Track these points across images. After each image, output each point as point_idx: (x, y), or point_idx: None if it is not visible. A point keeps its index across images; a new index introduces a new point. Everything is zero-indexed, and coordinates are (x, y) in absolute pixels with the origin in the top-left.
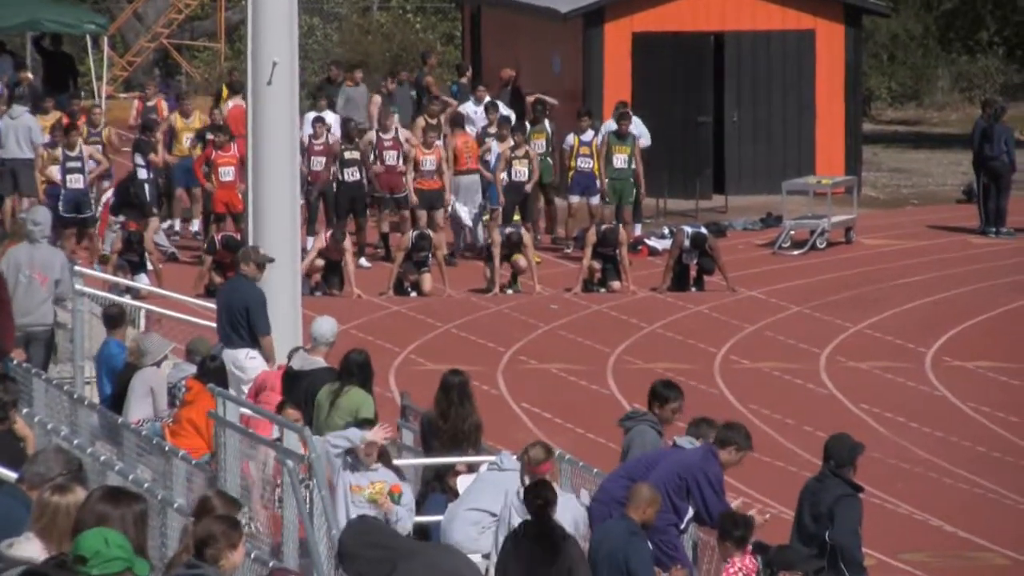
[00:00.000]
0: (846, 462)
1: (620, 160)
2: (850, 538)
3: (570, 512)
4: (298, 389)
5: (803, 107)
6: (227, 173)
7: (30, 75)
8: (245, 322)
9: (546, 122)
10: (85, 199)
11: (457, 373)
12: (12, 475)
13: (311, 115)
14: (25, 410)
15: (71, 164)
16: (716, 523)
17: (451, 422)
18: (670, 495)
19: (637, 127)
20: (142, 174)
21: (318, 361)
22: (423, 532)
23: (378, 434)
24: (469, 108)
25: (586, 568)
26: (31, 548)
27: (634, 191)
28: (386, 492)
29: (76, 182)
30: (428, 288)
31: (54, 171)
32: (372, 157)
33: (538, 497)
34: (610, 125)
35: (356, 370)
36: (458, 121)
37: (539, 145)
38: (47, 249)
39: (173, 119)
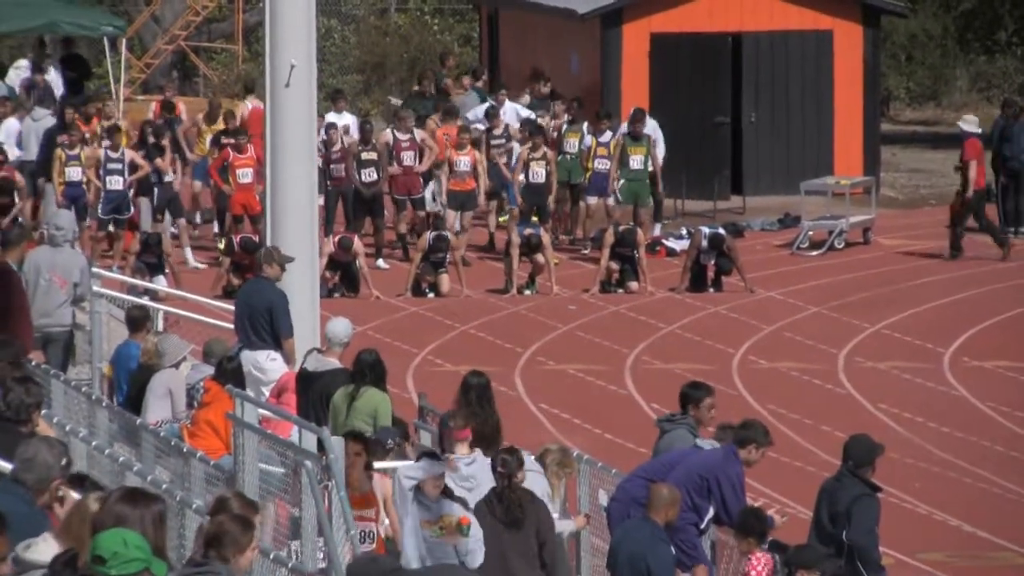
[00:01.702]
0: (864, 462)
1: (636, 161)
2: (867, 538)
3: (538, 487)
4: (312, 390)
5: (821, 107)
6: (245, 175)
7: (47, 78)
8: (268, 324)
9: (585, 124)
10: (124, 201)
11: (478, 374)
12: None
13: (328, 117)
14: (44, 411)
15: (112, 166)
16: (735, 521)
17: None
18: (691, 495)
19: (654, 133)
20: (152, 178)
21: (332, 362)
22: None
23: (455, 467)
24: (479, 112)
25: (552, 529)
26: (48, 550)
27: (650, 192)
28: (454, 525)
29: (116, 183)
30: (446, 289)
31: (71, 172)
32: (389, 158)
33: (503, 465)
34: (626, 127)
35: (368, 370)
36: (451, 112)
37: (572, 144)
38: (68, 252)
39: (199, 120)
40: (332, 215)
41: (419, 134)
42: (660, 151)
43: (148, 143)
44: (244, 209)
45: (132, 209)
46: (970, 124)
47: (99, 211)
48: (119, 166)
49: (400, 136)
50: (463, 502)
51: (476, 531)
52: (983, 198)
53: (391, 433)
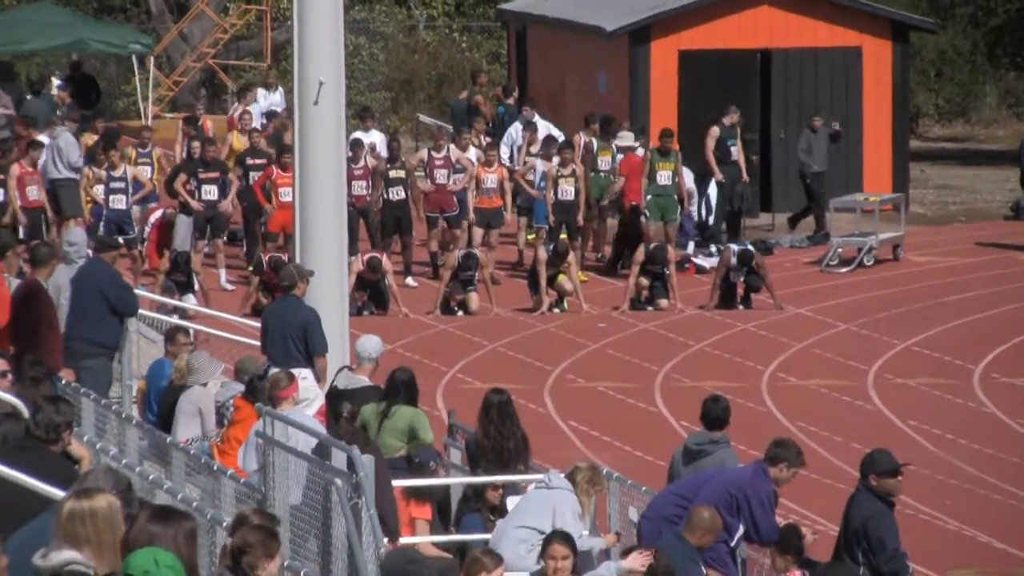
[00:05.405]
0: (865, 473)
1: (663, 177)
2: (897, 561)
3: (568, 504)
4: (342, 408)
5: (850, 124)
6: (287, 193)
7: (65, 95)
8: (302, 342)
9: (614, 143)
10: (127, 220)
11: (498, 392)
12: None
13: (354, 134)
14: (75, 429)
15: (114, 184)
16: (768, 539)
17: (493, 440)
18: (721, 512)
19: (692, 185)
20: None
21: (362, 379)
22: (461, 551)
23: (637, 560)
24: (519, 129)
25: (385, 477)
26: (65, 555)
27: (678, 209)
28: None
29: (118, 203)
30: (475, 307)
31: (99, 191)
32: (424, 175)
33: (346, 410)
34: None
35: (402, 388)
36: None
37: (605, 162)
38: None
39: (231, 138)
40: (355, 234)
41: (454, 153)
42: (694, 205)
43: (193, 159)
44: (282, 228)
45: (136, 229)
46: (627, 139)
47: (101, 230)
48: (121, 184)
49: (434, 154)
50: None
51: None
52: (635, 212)
53: (432, 454)
